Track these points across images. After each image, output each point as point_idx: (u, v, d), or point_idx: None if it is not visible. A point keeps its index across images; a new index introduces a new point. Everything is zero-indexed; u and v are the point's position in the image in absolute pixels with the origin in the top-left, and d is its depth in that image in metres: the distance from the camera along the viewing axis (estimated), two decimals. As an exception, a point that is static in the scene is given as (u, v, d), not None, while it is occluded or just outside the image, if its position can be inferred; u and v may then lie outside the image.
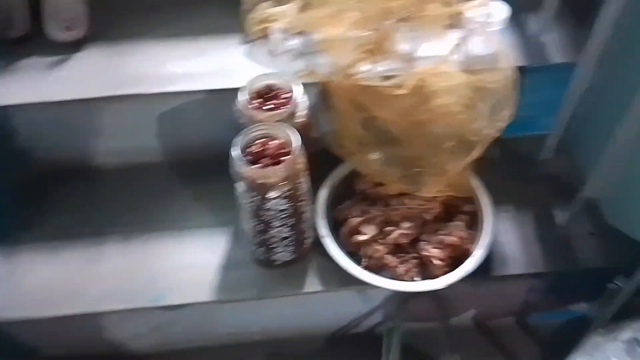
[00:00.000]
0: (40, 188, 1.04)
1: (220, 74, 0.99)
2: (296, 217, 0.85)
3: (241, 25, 1.03)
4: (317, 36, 1.00)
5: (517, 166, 1.07)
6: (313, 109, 0.96)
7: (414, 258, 0.91)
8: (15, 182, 1.04)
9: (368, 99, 0.95)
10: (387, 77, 0.95)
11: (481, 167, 0.96)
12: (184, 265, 0.95)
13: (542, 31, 1.01)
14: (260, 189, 0.79)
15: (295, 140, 0.80)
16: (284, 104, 0.89)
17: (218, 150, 1.02)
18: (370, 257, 0.91)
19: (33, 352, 1.02)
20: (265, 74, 0.92)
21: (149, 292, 0.92)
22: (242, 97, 0.88)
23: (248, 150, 0.81)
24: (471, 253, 0.90)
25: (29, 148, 1.03)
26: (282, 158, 0.80)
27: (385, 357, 0.93)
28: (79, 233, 0.98)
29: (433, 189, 0.94)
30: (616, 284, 0.89)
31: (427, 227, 0.94)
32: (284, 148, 0.82)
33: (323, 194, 0.96)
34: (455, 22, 1.01)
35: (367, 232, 0.92)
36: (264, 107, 0.89)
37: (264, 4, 1.03)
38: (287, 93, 0.91)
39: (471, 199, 0.96)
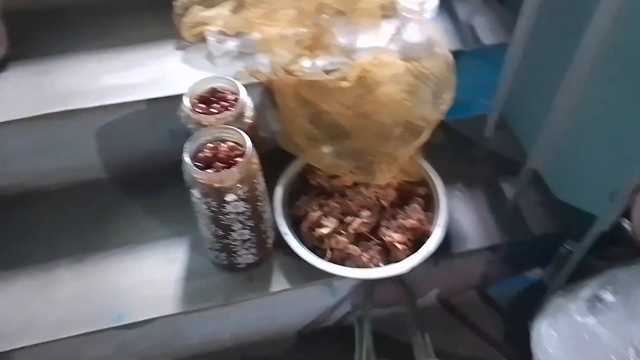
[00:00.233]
0: (-20, 218, 0.99)
1: (159, 82, 0.97)
2: (256, 218, 0.85)
3: (175, 31, 1.01)
4: (255, 36, 1.00)
5: (462, 147, 1.11)
6: (260, 109, 0.96)
7: (377, 245, 0.93)
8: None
9: (313, 95, 0.96)
10: (330, 71, 0.96)
11: (429, 151, 0.99)
12: (144, 281, 0.92)
13: (472, 15, 1.05)
14: (216, 194, 0.78)
15: (247, 141, 0.80)
16: (231, 106, 0.88)
17: (164, 161, 1.01)
18: (333, 249, 0.91)
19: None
20: (207, 78, 0.91)
21: (109, 312, 0.89)
22: (187, 103, 0.87)
23: (199, 155, 0.80)
24: (430, 234, 0.92)
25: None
26: (235, 159, 0.79)
27: (358, 346, 0.94)
28: (28, 261, 0.94)
29: (386, 177, 0.96)
30: (566, 247, 0.94)
31: (385, 213, 0.96)
32: (236, 150, 0.81)
33: (279, 192, 0.95)
34: (389, 12, 1.04)
35: (328, 225, 0.92)
36: (211, 111, 0.87)
37: (196, 8, 1.01)
38: (233, 95, 0.90)
39: (424, 182, 0.99)
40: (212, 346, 1.02)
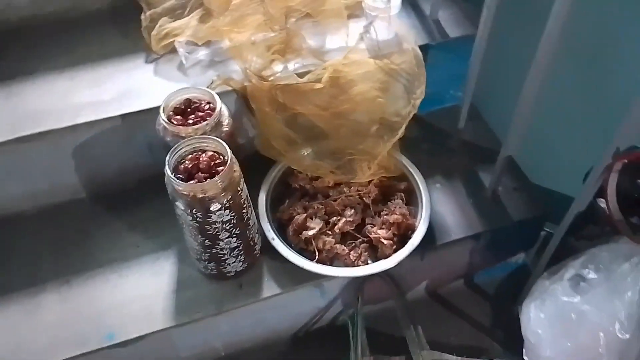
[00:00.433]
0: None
1: (132, 96, 0.95)
2: (241, 225, 0.85)
3: (144, 44, 1.00)
4: (225, 44, 1.00)
5: (437, 139, 1.13)
6: (236, 116, 0.96)
7: (363, 242, 0.94)
8: None
9: (287, 98, 0.96)
10: (302, 74, 0.97)
11: (406, 145, 1.01)
12: (133, 297, 0.91)
13: (437, 10, 1.07)
14: (201, 204, 0.78)
15: (227, 149, 0.80)
16: (207, 116, 0.88)
17: (143, 175, 1.01)
18: (321, 250, 0.92)
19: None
20: (181, 89, 0.90)
21: (99, 332, 0.88)
22: (163, 115, 0.86)
23: (181, 167, 0.80)
24: (415, 228, 0.93)
25: None
26: (217, 169, 0.79)
27: (353, 344, 0.95)
28: (11, 287, 0.92)
29: (366, 174, 0.97)
30: (546, 230, 0.97)
31: (369, 210, 0.97)
32: (217, 159, 0.81)
33: (262, 197, 0.96)
34: (355, 11, 1.05)
35: (314, 227, 0.93)
36: (187, 122, 0.87)
37: (164, 19, 1.01)
38: (208, 104, 0.90)
39: (404, 177, 1.00)
40: (206, 357, 1.01)
